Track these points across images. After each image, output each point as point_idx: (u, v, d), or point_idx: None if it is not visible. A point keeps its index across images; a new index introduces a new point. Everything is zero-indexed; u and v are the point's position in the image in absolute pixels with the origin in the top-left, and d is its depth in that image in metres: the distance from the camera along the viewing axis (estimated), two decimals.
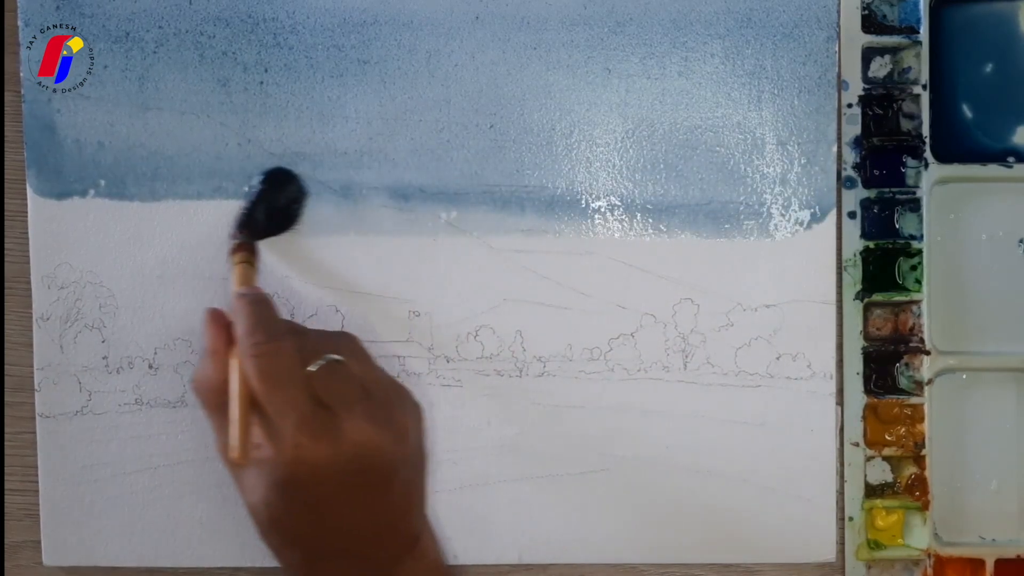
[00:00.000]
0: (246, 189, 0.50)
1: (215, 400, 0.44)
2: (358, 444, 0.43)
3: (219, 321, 0.46)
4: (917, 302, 0.51)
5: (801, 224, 0.51)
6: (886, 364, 0.51)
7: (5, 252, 0.51)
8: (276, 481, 0.43)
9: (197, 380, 0.45)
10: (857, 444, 0.51)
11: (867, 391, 0.51)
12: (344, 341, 0.47)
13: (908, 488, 0.51)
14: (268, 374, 0.43)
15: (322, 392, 0.43)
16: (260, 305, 0.46)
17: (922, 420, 0.51)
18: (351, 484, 0.43)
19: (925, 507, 0.51)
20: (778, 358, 0.51)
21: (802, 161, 0.51)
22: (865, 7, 0.51)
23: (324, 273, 0.51)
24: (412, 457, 0.46)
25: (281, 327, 0.45)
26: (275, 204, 0.50)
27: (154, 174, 0.50)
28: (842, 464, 0.51)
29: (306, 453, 0.42)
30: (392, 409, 0.45)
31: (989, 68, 0.52)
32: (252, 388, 0.43)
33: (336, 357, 0.45)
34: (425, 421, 0.47)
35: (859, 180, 0.51)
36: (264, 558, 0.50)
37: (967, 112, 0.52)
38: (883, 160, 0.51)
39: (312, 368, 0.44)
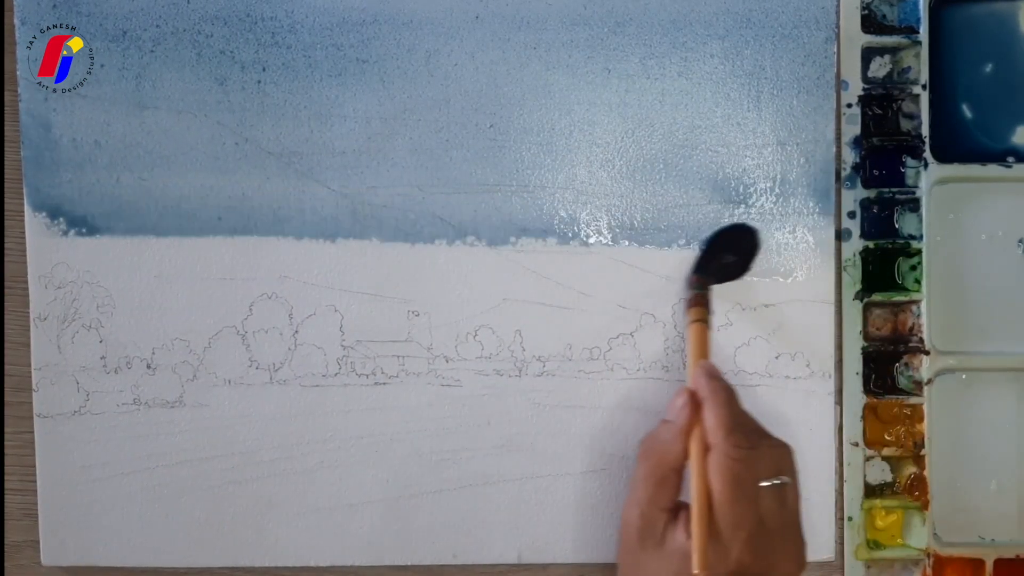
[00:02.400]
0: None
1: (661, 473, 0.44)
2: (781, 574, 0.43)
3: (690, 398, 0.45)
4: (917, 302, 0.51)
5: (800, 224, 0.51)
6: (886, 364, 0.51)
7: (4, 252, 0.51)
8: None
9: (649, 446, 0.45)
10: (856, 444, 0.51)
11: (866, 391, 0.51)
12: (786, 456, 0.45)
13: (907, 488, 0.51)
14: (738, 482, 0.42)
15: (766, 512, 0.43)
16: (733, 397, 0.45)
17: (922, 420, 0.51)
18: None
19: (924, 507, 0.51)
20: (777, 357, 0.51)
21: (801, 161, 0.51)
22: (865, 7, 0.51)
23: (323, 273, 0.50)
24: None
25: (756, 431, 0.45)
26: (739, 255, 0.50)
27: (151, 173, 0.50)
28: (841, 464, 0.51)
29: (744, 571, 0.42)
30: (801, 547, 0.45)
31: (989, 68, 0.52)
32: (711, 488, 0.43)
33: (787, 480, 0.44)
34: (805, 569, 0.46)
35: (859, 180, 0.51)
36: (263, 558, 0.51)
37: (967, 112, 0.52)
38: (883, 160, 0.51)
39: (766, 484, 0.43)
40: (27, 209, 0.50)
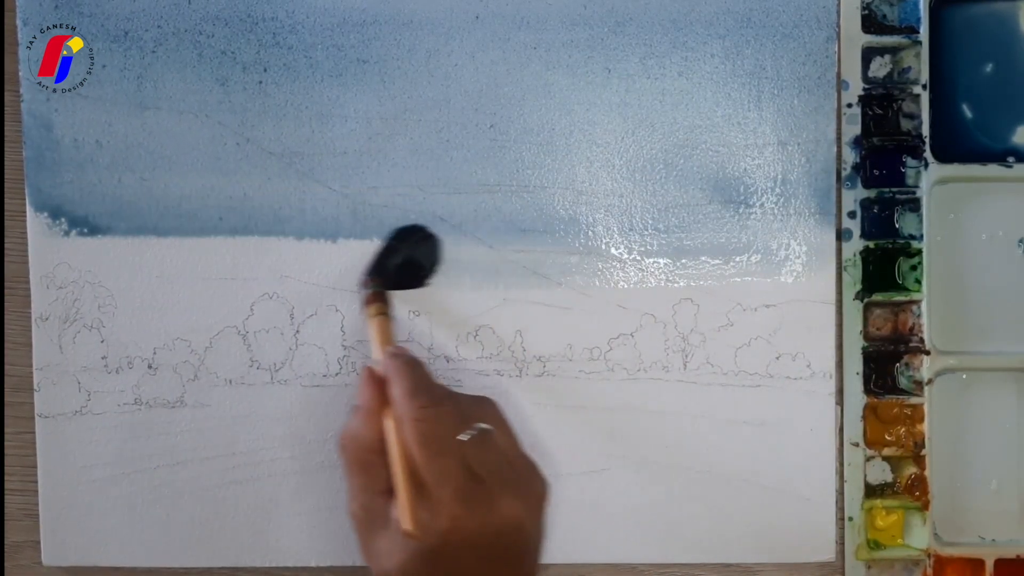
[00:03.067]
0: (378, 239, 0.51)
1: (362, 458, 0.44)
2: (504, 517, 0.43)
3: (373, 379, 0.45)
4: (917, 302, 0.51)
5: (801, 224, 0.51)
6: (886, 364, 0.51)
7: (5, 252, 0.51)
8: (424, 550, 0.42)
9: (346, 437, 0.45)
10: (857, 444, 0.51)
11: (867, 391, 0.51)
12: (487, 407, 0.46)
13: (908, 488, 0.51)
14: (430, 440, 0.42)
15: (474, 462, 0.43)
16: (417, 367, 0.45)
17: (922, 420, 0.51)
18: (492, 558, 0.43)
19: (925, 507, 0.51)
20: (778, 358, 0.51)
21: (802, 161, 0.51)
22: (865, 7, 0.51)
23: (324, 273, 0.50)
24: (540, 535, 0.45)
25: (441, 391, 0.45)
26: (412, 258, 0.50)
27: (152, 173, 0.50)
28: (842, 464, 0.51)
29: (460, 524, 0.42)
30: (531, 483, 0.45)
31: (989, 68, 0.52)
32: (410, 453, 0.43)
33: (487, 427, 0.44)
34: (550, 497, 0.46)
35: (859, 180, 0.51)
36: (264, 558, 0.51)
37: (967, 112, 0.52)
38: (883, 160, 0.51)
39: (464, 437, 0.43)
40: (29, 209, 0.50)
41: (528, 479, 0.45)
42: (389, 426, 0.44)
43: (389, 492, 0.44)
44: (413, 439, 0.42)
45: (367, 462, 0.44)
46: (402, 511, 0.42)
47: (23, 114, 0.50)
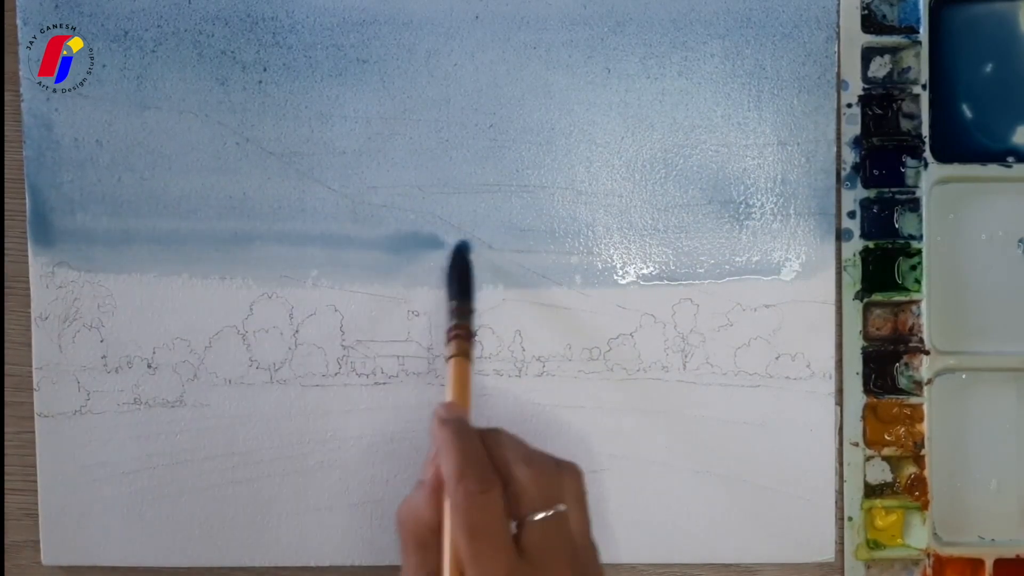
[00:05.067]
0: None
1: (420, 537, 0.41)
2: None
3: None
4: (917, 302, 0.51)
5: (801, 224, 0.51)
6: (886, 364, 0.51)
7: (5, 252, 0.51)
8: None
9: (405, 512, 0.41)
10: (856, 444, 0.51)
11: (867, 391, 0.51)
12: (570, 478, 0.42)
13: (907, 488, 0.51)
14: (472, 529, 0.39)
15: (534, 546, 0.39)
16: (467, 440, 0.41)
17: (922, 420, 0.51)
18: None
19: (924, 507, 0.51)
20: (777, 358, 0.51)
21: (802, 161, 0.51)
22: (865, 7, 0.51)
23: (324, 273, 0.50)
24: None
25: (491, 470, 0.40)
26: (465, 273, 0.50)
27: (152, 172, 0.50)
28: (841, 464, 0.51)
29: None
30: (588, 572, 0.41)
31: (989, 68, 0.52)
32: (455, 537, 0.39)
33: (562, 509, 0.40)
34: None
35: (859, 180, 0.51)
36: (263, 558, 0.51)
37: (967, 112, 0.52)
38: (883, 160, 0.51)
39: (538, 517, 0.39)
40: (28, 209, 0.50)
41: (589, 567, 0.41)
42: (444, 506, 0.40)
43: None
44: (457, 525, 0.39)
45: (424, 542, 0.41)
46: None
47: (23, 114, 0.50)
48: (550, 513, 0.40)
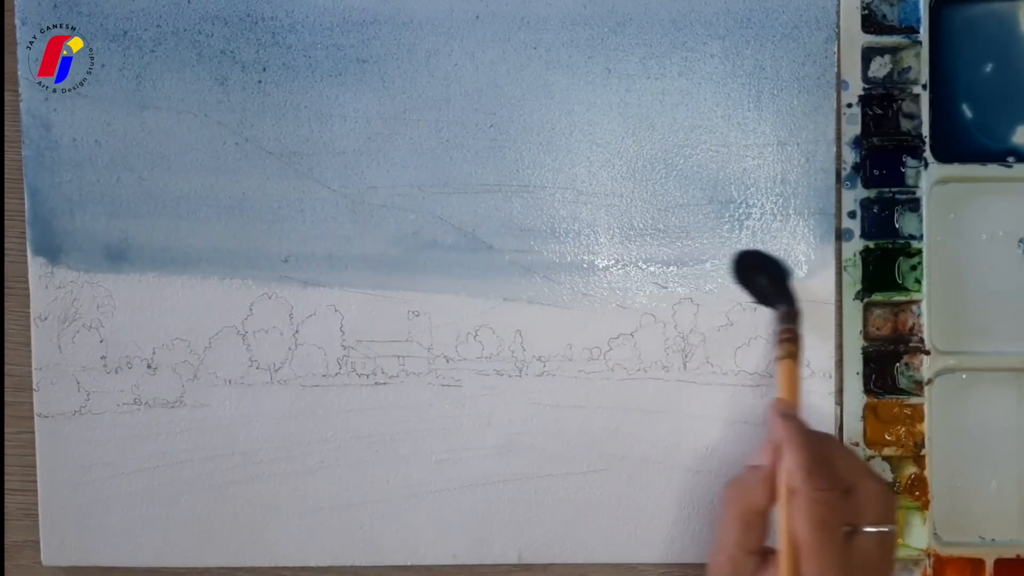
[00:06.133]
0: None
1: (746, 517, 0.44)
2: None
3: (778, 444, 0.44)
4: (917, 302, 0.51)
5: (801, 224, 0.51)
6: (886, 364, 0.51)
7: (5, 252, 0.51)
8: None
9: (734, 490, 0.45)
10: (857, 444, 0.51)
11: (867, 391, 0.51)
12: (886, 502, 0.44)
13: (908, 488, 0.51)
14: (820, 525, 0.42)
15: (863, 556, 0.42)
16: (813, 438, 0.44)
17: (922, 420, 0.51)
18: None
19: (925, 507, 0.51)
20: None
21: (802, 161, 0.51)
22: (865, 7, 0.51)
23: (323, 272, 0.50)
24: None
25: (838, 473, 0.44)
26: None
27: (151, 172, 0.50)
28: None
29: None
30: None
31: (989, 68, 0.52)
32: (794, 529, 0.42)
33: (888, 529, 0.43)
34: None
35: (859, 180, 0.51)
36: (264, 558, 0.51)
37: (967, 112, 0.52)
38: (883, 160, 0.51)
39: (871, 530, 0.42)
40: (28, 209, 0.50)
41: None
42: (781, 494, 0.43)
43: (762, 554, 0.44)
44: (806, 521, 0.42)
45: (749, 521, 0.44)
46: None
47: (22, 114, 0.50)
48: (884, 529, 0.43)
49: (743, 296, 0.51)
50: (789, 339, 0.47)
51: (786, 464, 0.43)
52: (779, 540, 0.43)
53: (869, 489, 0.44)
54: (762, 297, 0.50)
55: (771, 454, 0.44)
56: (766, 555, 0.44)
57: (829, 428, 0.51)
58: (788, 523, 0.42)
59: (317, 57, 0.50)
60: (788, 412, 0.45)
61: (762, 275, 0.50)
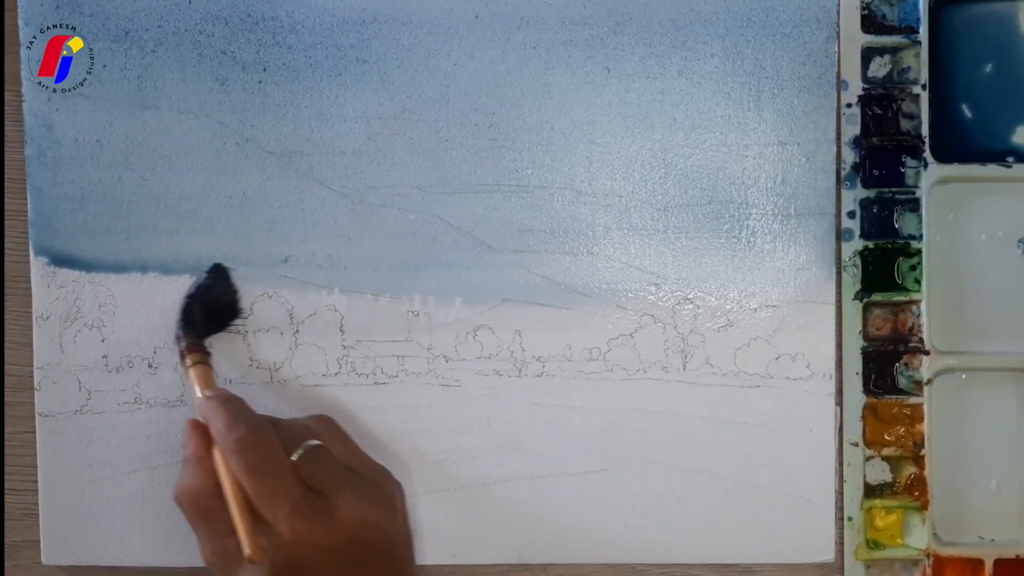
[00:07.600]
0: (186, 287, 0.50)
1: (202, 507, 0.44)
2: (354, 522, 0.43)
3: (197, 429, 0.46)
4: (916, 302, 0.51)
5: (800, 224, 0.51)
6: (885, 364, 0.51)
7: (5, 252, 0.51)
8: (276, 571, 0.43)
9: (181, 491, 0.45)
10: (856, 444, 0.51)
11: (866, 391, 0.51)
12: (321, 424, 0.48)
13: (907, 488, 0.51)
14: (256, 466, 0.43)
15: (309, 478, 0.44)
16: (233, 402, 0.46)
17: (921, 420, 0.51)
18: (355, 563, 0.44)
19: (924, 507, 0.51)
20: (777, 358, 0.51)
21: (802, 161, 0.51)
22: (865, 7, 0.51)
23: (323, 273, 0.50)
24: (403, 534, 0.47)
25: (259, 418, 0.46)
26: (215, 301, 0.50)
27: (152, 172, 0.50)
28: (841, 464, 0.51)
29: (304, 538, 0.43)
30: (380, 486, 0.46)
31: (989, 68, 0.52)
32: (240, 484, 0.43)
33: (315, 443, 0.45)
34: (407, 499, 0.48)
35: (859, 180, 0.51)
36: None
37: (967, 112, 0.52)
38: (882, 160, 0.51)
39: (294, 457, 0.44)
40: (29, 209, 0.50)
41: (376, 483, 0.46)
42: (219, 466, 0.44)
43: (235, 532, 0.44)
44: (239, 468, 0.43)
45: (207, 509, 0.44)
46: (241, 539, 0.43)
47: (24, 114, 0.50)
48: (303, 450, 0.44)
49: (743, 296, 0.51)
50: (196, 349, 0.48)
51: (214, 434, 0.45)
52: (227, 503, 0.43)
53: (293, 423, 0.47)
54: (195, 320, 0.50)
55: (192, 440, 0.45)
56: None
57: (829, 428, 0.51)
58: (231, 482, 0.44)
59: (317, 57, 0.50)
60: (208, 393, 0.47)
61: (199, 303, 0.50)
